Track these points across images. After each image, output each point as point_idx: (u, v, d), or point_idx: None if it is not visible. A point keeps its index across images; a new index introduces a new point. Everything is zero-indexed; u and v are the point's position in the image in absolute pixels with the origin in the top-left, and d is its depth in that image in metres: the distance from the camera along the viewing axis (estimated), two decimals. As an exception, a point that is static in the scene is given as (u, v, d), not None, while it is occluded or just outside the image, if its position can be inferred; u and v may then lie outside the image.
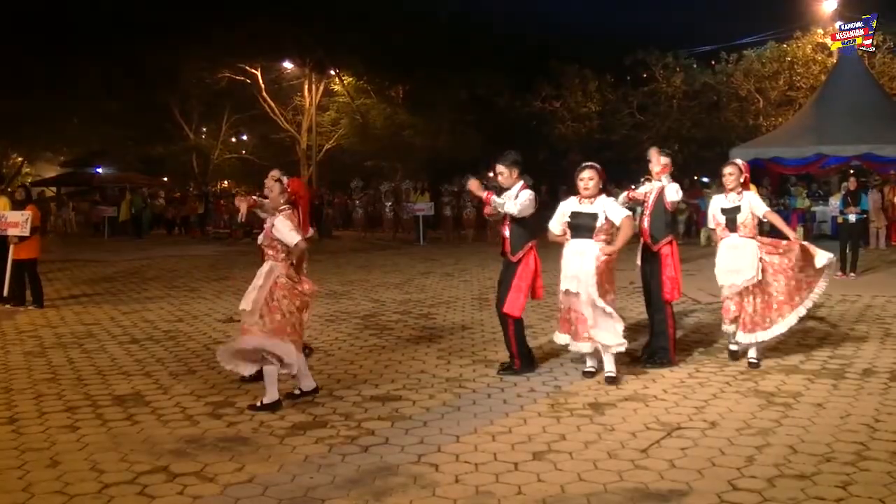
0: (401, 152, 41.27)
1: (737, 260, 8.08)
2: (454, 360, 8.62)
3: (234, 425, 6.31)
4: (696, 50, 40.25)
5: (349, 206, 33.88)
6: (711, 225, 8.64)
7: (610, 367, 7.52)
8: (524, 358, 8.04)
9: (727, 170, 8.30)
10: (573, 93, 39.29)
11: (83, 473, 5.30)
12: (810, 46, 36.37)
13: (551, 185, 35.72)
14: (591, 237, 7.54)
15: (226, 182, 51.57)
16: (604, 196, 7.64)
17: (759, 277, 7.96)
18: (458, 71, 38.61)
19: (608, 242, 7.53)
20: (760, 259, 7.99)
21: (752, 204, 8.14)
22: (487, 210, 7.96)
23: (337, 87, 43.18)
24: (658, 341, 8.27)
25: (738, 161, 8.43)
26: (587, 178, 7.59)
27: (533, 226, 7.88)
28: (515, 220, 7.84)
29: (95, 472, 5.33)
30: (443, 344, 9.49)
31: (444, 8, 40.36)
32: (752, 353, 8.13)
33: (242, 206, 7.25)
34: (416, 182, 31.88)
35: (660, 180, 8.28)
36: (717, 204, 8.44)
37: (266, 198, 7.17)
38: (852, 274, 15.11)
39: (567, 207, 7.83)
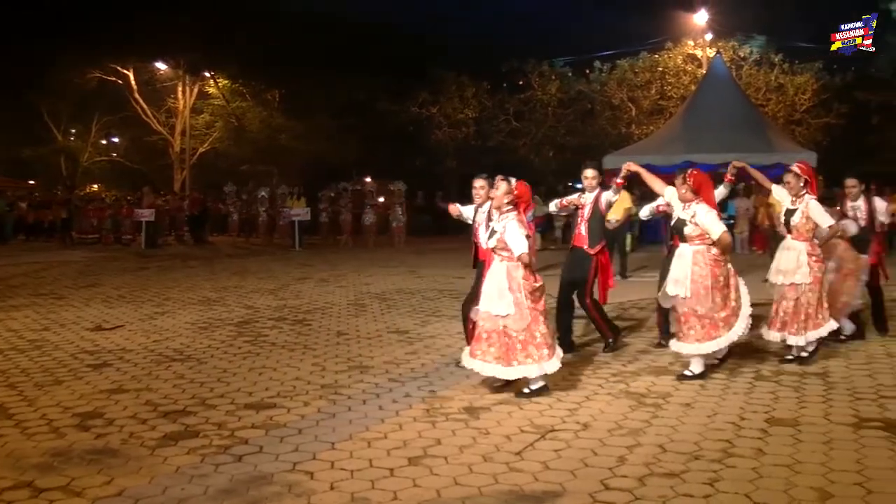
0: (276, 156, 40.89)
1: (784, 261, 8.43)
2: (329, 366, 8.56)
3: (103, 437, 6.14)
4: (571, 59, 40.99)
5: (223, 211, 33.35)
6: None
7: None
8: (614, 331, 9.21)
9: (785, 177, 8.59)
10: (450, 99, 39.52)
11: (-59, 490, 5.09)
12: (681, 57, 37.51)
13: (427, 190, 35.91)
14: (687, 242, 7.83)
15: (95, 186, 50.16)
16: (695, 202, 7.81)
17: (807, 282, 8.28)
18: (336, 75, 38.44)
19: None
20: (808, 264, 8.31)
21: (811, 211, 8.32)
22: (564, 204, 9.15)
23: (212, 90, 42.63)
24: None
25: (795, 168, 8.57)
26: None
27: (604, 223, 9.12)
28: (595, 218, 8.89)
29: (-46, 488, 5.11)
30: (318, 350, 9.42)
31: (322, 11, 39.94)
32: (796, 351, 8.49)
33: (454, 210, 8.55)
34: (293, 187, 31.61)
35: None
36: (784, 205, 8.69)
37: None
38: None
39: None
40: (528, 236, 7.10)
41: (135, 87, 40.19)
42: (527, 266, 7.07)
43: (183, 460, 5.62)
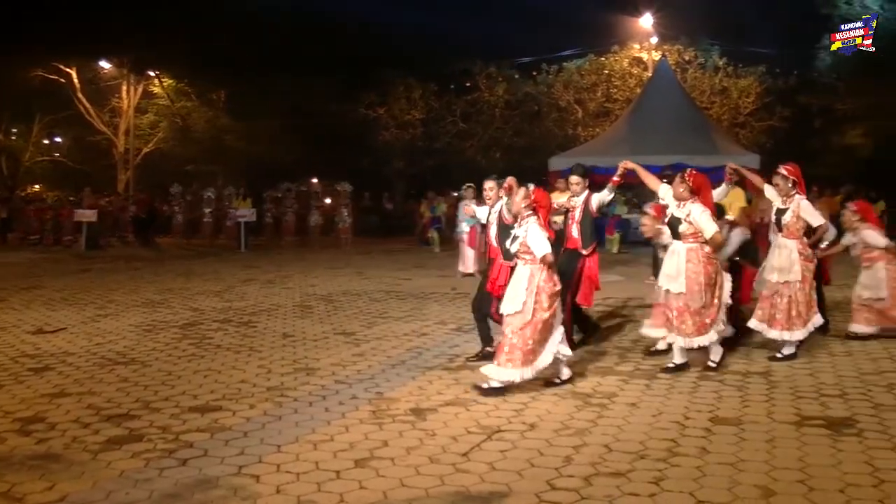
0: (222, 157, 40.56)
1: (777, 259, 8.64)
2: (275, 368, 8.51)
3: (45, 442, 6.05)
4: (518, 61, 41.16)
5: (168, 212, 32.97)
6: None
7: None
8: (571, 341, 8.71)
9: (774, 179, 8.82)
10: (397, 100, 39.49)
11: None
12: (627, 60, 37.86)
13: (374, 191, 35.85)
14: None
15: (37, 186, 49.37)
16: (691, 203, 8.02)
17: (798, 279, 8.52)
18: (283, 76, 38.20)
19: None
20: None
21: (802, 210, 8.56)
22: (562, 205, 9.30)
23: (156, 89, 42.15)
24: None
25: (783, 170, 8.76)
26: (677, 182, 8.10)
27: (595, 225, 9.31)
28: (586, 220, 9.09)
29: None
30: (263, 353, 9.36)
31: (268, 11, 39.60)
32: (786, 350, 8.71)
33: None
34: (238, 188, 31.38)
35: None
36: (774, 205, 8.90)
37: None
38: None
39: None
40: (549, 239, 7.26)
41: (78, 85, 39.60)
42: (549, 267, 7.26)
43: (127, 464, 5.55)
